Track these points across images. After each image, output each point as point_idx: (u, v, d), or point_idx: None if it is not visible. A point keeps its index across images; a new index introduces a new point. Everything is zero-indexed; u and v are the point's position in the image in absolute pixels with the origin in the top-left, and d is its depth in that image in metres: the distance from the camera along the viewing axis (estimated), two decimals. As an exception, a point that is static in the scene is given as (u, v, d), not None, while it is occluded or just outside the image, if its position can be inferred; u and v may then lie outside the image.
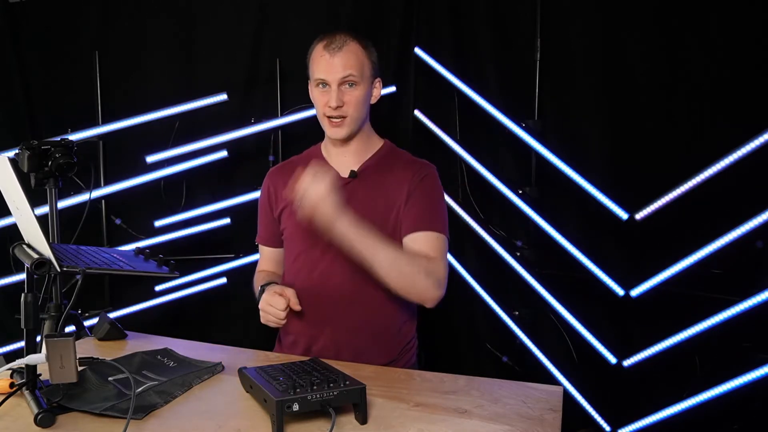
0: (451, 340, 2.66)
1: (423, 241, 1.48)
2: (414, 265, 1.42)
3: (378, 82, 1.57)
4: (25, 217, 1.23)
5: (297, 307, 1.41)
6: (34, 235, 1.24)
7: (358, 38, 1.52)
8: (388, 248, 1.38)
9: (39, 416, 1.02)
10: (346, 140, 1.55)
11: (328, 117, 1.50)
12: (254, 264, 2.66)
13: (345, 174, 1.56)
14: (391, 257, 1.39)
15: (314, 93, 1.53)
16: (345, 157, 1.58)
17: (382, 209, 1.52)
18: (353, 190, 1.53)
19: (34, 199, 1.17)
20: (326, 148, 1.62)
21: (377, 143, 1.62)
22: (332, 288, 1.53)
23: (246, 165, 2.81)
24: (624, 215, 2.16)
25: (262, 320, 1.44)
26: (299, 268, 1.59)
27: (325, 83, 1.49)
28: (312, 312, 1.55)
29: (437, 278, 1.44)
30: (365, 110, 1.54)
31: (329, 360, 1.25)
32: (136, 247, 1.58)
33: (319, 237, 1.53)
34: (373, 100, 1.56)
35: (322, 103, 1.50)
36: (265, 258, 1.72)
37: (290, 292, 1.42)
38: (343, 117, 1.49)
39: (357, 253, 1.37)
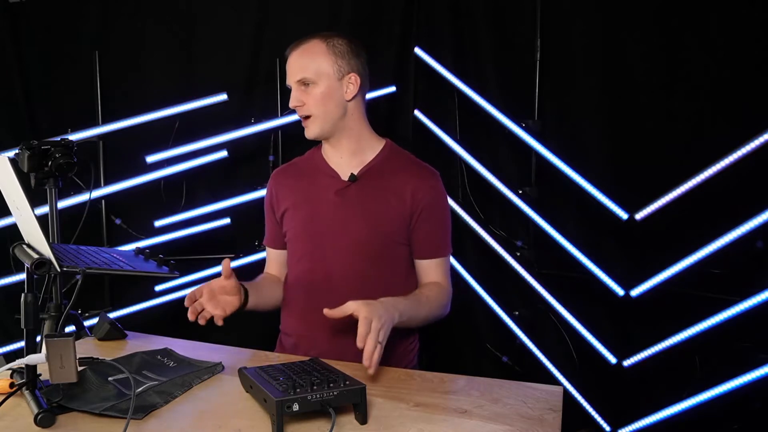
0: (451, 340, 2.66)
1: (436, 269, 1.57)
2: (438, 308, 1.55)
3: (353, 77, 1.51)
4: (25, 217, 1.23)
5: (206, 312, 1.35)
6: (34, 235, 1.24)
7: (326, 35, 1.52)
8: (423, 308, 1.48)
9: (39, 416, 1.02)
10: (328, 139, 1.56)
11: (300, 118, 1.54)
12: (254, 264, 2.71)
13: (345, 177, 1.55)
14: (425, 315, 1.49)
15: None
16: (342, 159, 1.57)
17: (380, 214, 1.51)
18: (352, 194, 1.53)
19: (34, 199, 1.17)
20: (324, 150, 1.62)
21: (377, 145, 1.60)
22: (334, 291, 1.52)
23: (246, 165, 2.81)
24: (624, 215, 2.16)
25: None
26: (301, 271, 1.58)
27: (290, 87, 1.53)
28: (313, 315, 1.54)
29: (449, 301, 1.58)
30: (332, 107, 1.51)
31: (329, 360, 1.25)
32: (136, 247, 1.58)
33: (320, 241, 1.53)
34: (348, 97, 1.51)
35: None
36: (271, 260, 1.71)
37: (206, 293, 1.34)
38: (308, 116, 1.51)
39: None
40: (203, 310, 1.34)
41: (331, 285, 1.53)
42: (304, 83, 1.50)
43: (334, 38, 1.52)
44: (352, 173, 1.54)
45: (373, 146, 1.59)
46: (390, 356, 1.55)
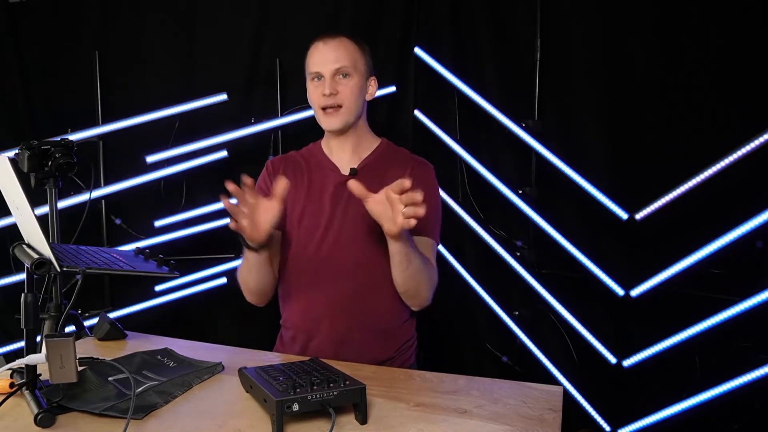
0: (451, 340, 2.66)
1: (424, 248, 1.51)
2: (429, 276, 1.49)
3: (373, 81, 1.59)
4: (25, 217, 1.23)
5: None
6: (34, 235, 1.24)
7: (353, 37, 1.56)
8: (419, 258, 1.44)
9: (39, 416, 1.02)
10: (343, 132, 1.56)
11: (323, 108, 1.52)
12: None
13: (345, 171, 1.57)
14: (418, 266, 1.43)
15: (310, 89, 1.55)
16: (344, 154, 1.59)
17: None
18: None
19: (34, 199, 1.17)
20: (327, 144, 1.63)
21: (374, 141, 1.64)
22: (332, 284, 1.53)
23: (246, 165, 2.79)
24: (624, 215, 2.16)
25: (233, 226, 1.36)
26: (300, 263, 1.58)
27: (320, 75, 1.52)
28: (312, 307, 1.55)
29: (434, 287, 1.53)
30: (360, 102, 1.55)
31: (329, 360, 1.25)
32: (136, 247, 1.58)
33: (320, 234, 1.54)
34: (369, 98, 1.59)
35: (317, 95, 1.52)
36: None
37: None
38: (338, 106, 1.51)
39: (400, 256, 1.39)
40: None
41: (330, 278, 1.53)
42: (341, 73, 1.51)
43: (360, 41, 1.56)
44: (352, 167, 1.57)
45: (371, 143, 1.63)
46: (388, 354, 1.56)
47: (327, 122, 1.54)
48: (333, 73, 1.50)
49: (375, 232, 1.50)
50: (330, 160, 1.60)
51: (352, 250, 1.52)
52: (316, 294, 1.55)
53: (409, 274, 1.45)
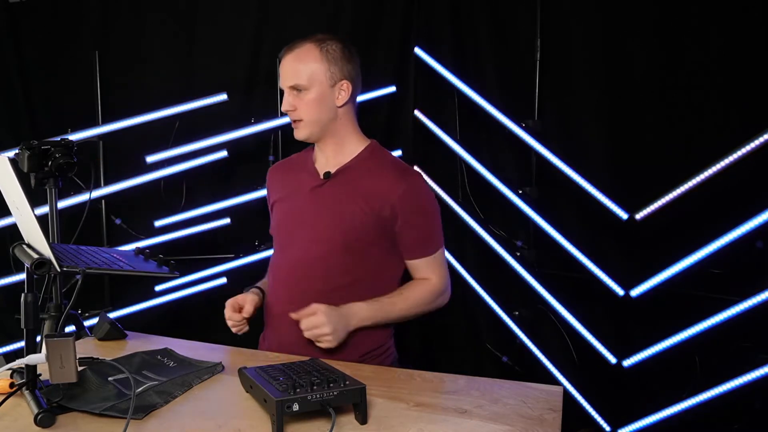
0: (451, 340, 2.66)
1: (425, 268, 1.57)
2: (423, 304, 1.56)
3: (345, 85, 1.50)
4: (25, 217, 1.23)
5: (246, 315, 1.54)
6: (34, 235, 1.24)
7: (321, 39, 1.51)
8: (395, 308, 1.51)
9: (39, 416, 1.02)
10: (318, 140, 1.57)
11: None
12: (253, 264, 2.71)
13: (323, 176, 1.57)
14: (401, 314, 1.53)
15: None
16: (325, 159, 1.58)
17: (346, 213, 1.50)
18: (324, 192, 1.54)
19: (34, 199, 1.17)
20: (314, 149, 1.63)
21: (359, 145, 1.58)
22: (294, 284, 1.54)
23: (246, 165, 2.81)
24: (624, 215, 2.16)
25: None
26: (275, 262, 1.63)
27: (282, 89, 1.54)
28: (278, 305, 1.57)
29: (442, 293, 1.59)
30: (324, 112, 1.51)
31: (328, 360, 1.25)
32: (136, 247, 1.58)
33: (293, 235, 1.57)
34: (339, 103, 1.52)
35: None
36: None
37: (248, 301, 1.54)
38: (299, 120, 1.52)
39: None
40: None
41: (293, 278, 1.55)
42: (296, 89, 1.50)
43: (328, 43, 1.51)
44: (327, 171, 1.56)
45: (354, 147, 1.58)
46: (351, 360, 1.52)
47: (294, 133, 1.56)
48: (289, 89, 1.51)
49: (340, 237, 1.50)
50: (314, 164, 1.60)
51: (317, 253, 1.51)
52: (281, 293, 1.58)
53: (395, 320, 1.56)
